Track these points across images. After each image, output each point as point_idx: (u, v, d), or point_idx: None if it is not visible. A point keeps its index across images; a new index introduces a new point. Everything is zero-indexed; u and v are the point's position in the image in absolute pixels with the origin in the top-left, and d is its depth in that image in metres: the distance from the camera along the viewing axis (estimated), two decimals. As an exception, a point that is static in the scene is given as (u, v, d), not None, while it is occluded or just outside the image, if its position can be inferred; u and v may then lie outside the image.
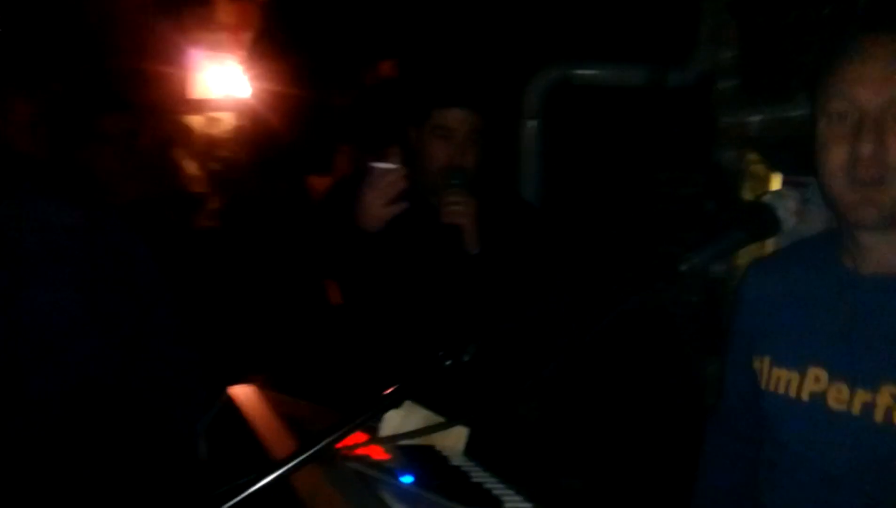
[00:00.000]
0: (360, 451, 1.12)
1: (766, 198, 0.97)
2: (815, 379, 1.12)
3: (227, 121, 6.42)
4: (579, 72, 3.37)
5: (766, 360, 1.20)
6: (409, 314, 1.94)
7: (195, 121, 6.41)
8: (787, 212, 0.96)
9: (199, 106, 6.30)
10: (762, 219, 0.95)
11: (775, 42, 1.85)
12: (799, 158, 1.85)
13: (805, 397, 1.13)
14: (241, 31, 6.10)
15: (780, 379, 1.17)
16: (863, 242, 1.07)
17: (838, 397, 1.09)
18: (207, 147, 6.28)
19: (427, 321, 1.90)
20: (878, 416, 1.04)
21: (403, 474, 1.13)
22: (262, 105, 5.82)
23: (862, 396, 1.06)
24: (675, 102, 3.12)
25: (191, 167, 6.02)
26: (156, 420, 1.38)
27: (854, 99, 1.00)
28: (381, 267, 1.91)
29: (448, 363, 0.82)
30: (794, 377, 1.15)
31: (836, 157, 1.02)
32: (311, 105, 5.07)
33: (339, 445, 1.11)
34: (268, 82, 5.58)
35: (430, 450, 1.31)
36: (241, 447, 1.19)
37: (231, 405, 1.21)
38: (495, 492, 1.17)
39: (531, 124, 3.47)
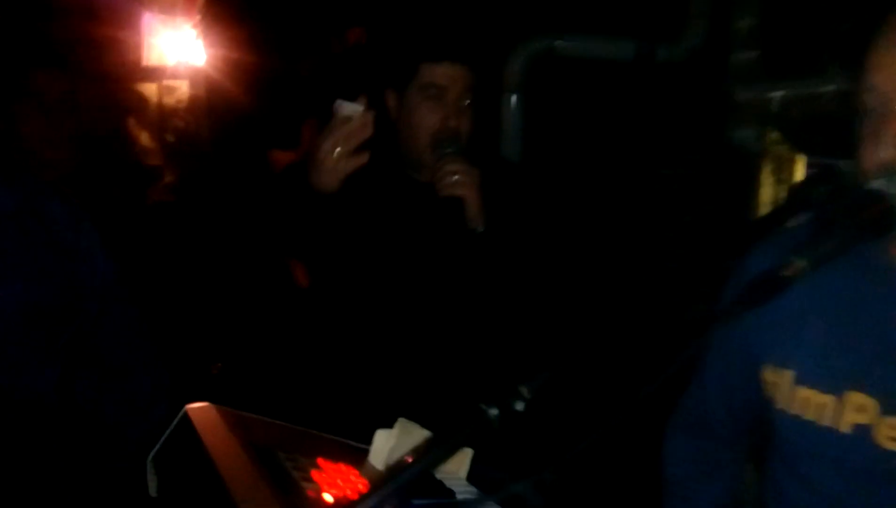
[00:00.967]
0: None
1: (875, 184, 0.79)
2: (860, 408, 0.93)
3: (182, 90, 6.09)
4: (563, 44, 3.20)
5: (788, 375, 1.00)
6: (397, 306, 1.71)
7: (149, 89, 6.07)
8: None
9: (153, 74, 5.95)
10: (880, 210, 0.77)
11: (803, 8, 1.68)
12: (828, 139, 1.69)
13: (845, 429, 0.94)
14: (195, -3, 5.75)
15: (809, 402, 0.98)
16: None
17: (891, 434, 0.90)
18: (162, 117, 5.96)
19: (422, 316, 1.68)
20: None
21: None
22: (219, 73, 5.52)
23: None
24: (665, 78, 2.97)
25: (144, 139, 5.70)
26: (105, 443, 1.17)
27: (880, 87, 0.84)
28: (348, 240, 1.65)
29: (494, 413, 0.61)
30: (829, 401, 0.96)
31: (874, 149, 0.84)
32: (274, 74, 4.79)
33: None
34: (224, 49, 5.28)
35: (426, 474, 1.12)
36: (197, 480, 0.98)
37: (187, 430, 0.99)
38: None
39: (513, 98, 3.28)
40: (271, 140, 4.45)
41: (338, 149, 1.47)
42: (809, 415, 0.97)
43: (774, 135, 1.77)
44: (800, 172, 1.74)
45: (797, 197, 0.78)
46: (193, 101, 5.92)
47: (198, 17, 5.66)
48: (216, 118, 5.38)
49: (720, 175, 2.03)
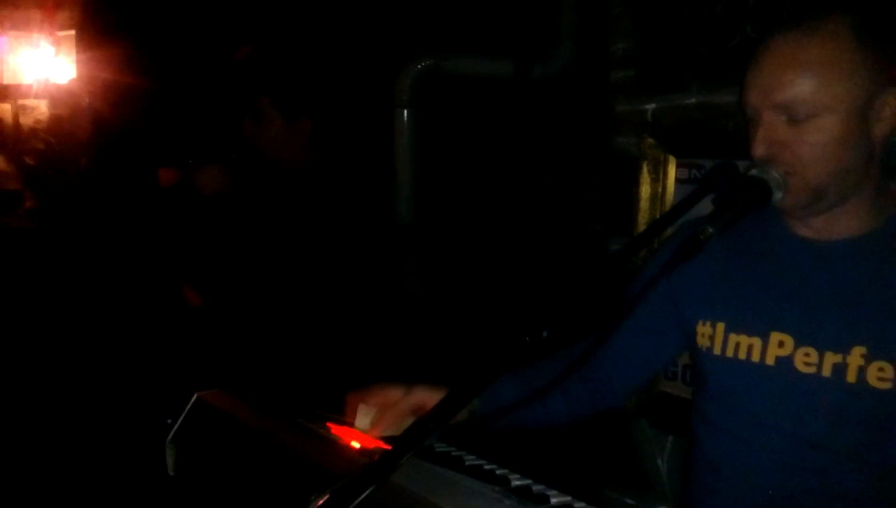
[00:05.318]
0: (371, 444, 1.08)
1: (755, 171, 1.07)
2: (780, 344, 1.16)
3: (41, 109, 5.78)
4: (449, 63, 3.45)
5: (721, 326, 1.23)
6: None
7: (2, 110, 5.72)
8: (775, 183, 1.07)
9: (6, 93, 5.62)
10: (757, 190, 1.05)
11: (669, 35, 2.01)
12: (693, 142, 2.04)
13: (770, 361, 1.17)
14: (56, 9, 5.50)
15: (740, 345, 1.20)
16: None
17: (806, 360, 1.13)
18: (19, 139, 5.62)
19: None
20: (850, 376, 1.10)
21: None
22: (89, 92, 5.29)
23: (832, 358, 1.11)
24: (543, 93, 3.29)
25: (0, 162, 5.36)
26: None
27: (750, 102, 1.11)
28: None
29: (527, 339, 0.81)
30: (756, 342, 1.18)
31: (753, 149, 1.11)
32: (151, 93, 4.70)
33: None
34: (96, 66, 5.09)
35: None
36: (222, 452, 1.11)
37: (205, 412, 1.11)
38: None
39: (404, 113, 3.49)
40: (156, 158, 4.38)
41: None
42: (741, 355, 1.20)
43: (650, 141, 2.10)
44: (672, 171, 2.07)
45: (704, 184, 1.04)
46: (55, 121, 5.64)
47: (59, 34, 5.42)
48: (87, 138, 5.17)
49: (605, 177, 2.34)
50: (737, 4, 1.82)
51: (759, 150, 1.09)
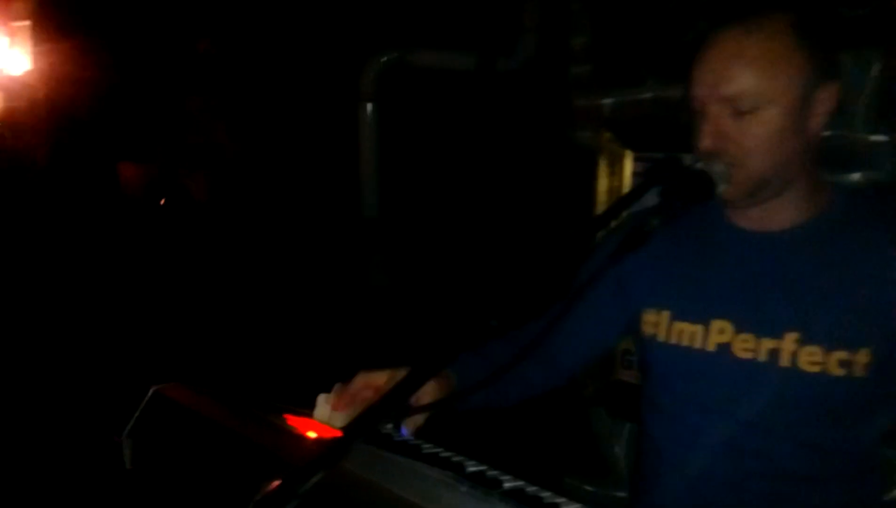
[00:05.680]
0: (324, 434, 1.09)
1: (700, 165, 1.11)
2: (720, 331, 1.21)
3: (-6, 101, 5.64)
4: (413, 56, 3.45)
5: (666, 314, 1.28)
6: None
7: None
8: (718, 176, 1.11)
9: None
10: (702, 183, 1.09)
11: (625, 30, 2.05)
12: (649, 136, 2.08)
13: (711, 347, 1.21)
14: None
15: (684, 332, 1.25)
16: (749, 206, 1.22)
17: (745, 346, 1.19)
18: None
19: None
20: (784, 361, 1.15)
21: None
22: (45, 84, 5.18)
23: (767, 343, 1.16)
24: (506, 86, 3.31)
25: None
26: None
27: (697, 96, 1.15)
28: None
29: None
30: (699, 329, 1.23)
31: (699, 142, 1.15)
32: (112, 86, 4.62)
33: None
34: (52, 59, 4.98)
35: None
36: (181, 444, 1.12)
37: (163, 405, 1.12)
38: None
39: (368, 106, 3.49)
40: (117, 152, 4.32)
41: None
42: (685, 342, 1.25)
43: (607, 135, 2.14)
44: (629, 164, 2.12)
45: (650, 177, 1.07)
46: (9, 113, 5.51)
47: (13, 24, 5.30)
48: (43, 131, 5.07)
49: (565, 169, 2.37)
50: (690, 1, 1.86)
51: (705, 142, 1.13)
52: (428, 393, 1.18)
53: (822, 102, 1.14)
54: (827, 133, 1.25)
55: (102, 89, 4.54)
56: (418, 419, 1.16)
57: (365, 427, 0.80)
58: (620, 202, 1.07)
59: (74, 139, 4.72)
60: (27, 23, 5.07)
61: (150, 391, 1.14)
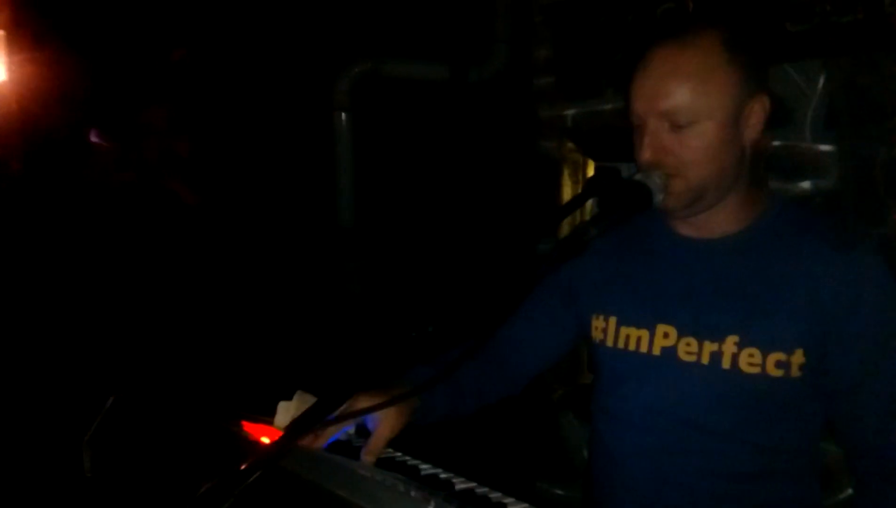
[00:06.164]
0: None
1: (639, 176, 1.15)
2: (665, 335, 1.25)
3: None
4: (387, 66, 3.50)
5: (613, 320, 1.32)
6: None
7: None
8: (656, 187, 1.15)
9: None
10: (639, 193, 1.13)
11: (586, 44, 2.10)
12: (610, 146, 2.13)
13: (656, 351, 1.25)
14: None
15: (630, 337, 1.29)
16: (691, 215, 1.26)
17: (688, 349, 1.23)
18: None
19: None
20: (725, 363, 1.19)
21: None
22: (19, 95, 5.17)
23: (709, 347, 1.20)
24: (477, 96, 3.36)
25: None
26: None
27: (636, 111, 1.19)
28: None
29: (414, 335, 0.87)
30: (644, 334, 1.27)
31: (638, 154, 1.20)
32: (85, 96, 4.62)
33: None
34: (27, 70, 4.97)
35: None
36: (137, 452, 1.15)
37: (120, 413, 1.15)
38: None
39: (342, 116, 3.53)
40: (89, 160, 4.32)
41: None
42: (632, 347, 1.29)
43: (569, 145, 2.19)
44: (591, 173, 2.17)
45: (589, 187, 1.11)
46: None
47: (-2, 32, 5.29)
48: (18, 142, 5.06)
49: (530, 178, 2.42)
50: (646, 15, 1.92)
51: (645, 155, 1.18)
52: (389, 418, 1.20)
53: (755, 113, 1.19)
54: (777, 143, 1.30)
55: (77, 99, 4.55)
56: (379, 447, 1.18)
57: (301, 429, 0.83)
58: (561, 211, 1.11)
59: (48, 148, 4.71)
60: (2, 33, 5.06)
61: (110, 400, 1.17)
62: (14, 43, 4.92)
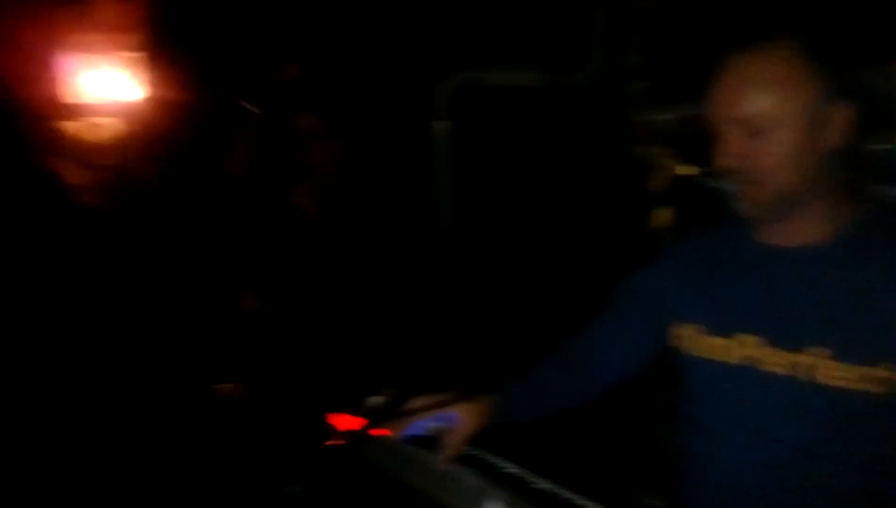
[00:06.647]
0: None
1: (712, 183, 1.16)
2: (747, 345, 1.26)
3: (109, 126, 6.12)
4: (486, 75, 3.57)
5: (696, 328, 1.33)
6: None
7: (71, 127, 6.08)
8: (733, 194, 1.15)
9: (74, 111, 5.97)
10: (716, 200, 1.14)
11: (677, 50, 2.09)
12: (700, 151, 2.10)
13: (738, 361, 1.26)
14: (123, 32, 5.84)
15: (713, 346, 1.31)
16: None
17: (771, 360, 1.22)
18: (85, 155, 5.97)
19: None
20: (808, 375, 1.18)
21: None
22: (157, 110, 5.60)
23: (787, 357, 1.20)
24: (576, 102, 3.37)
25: (74, 177, 5.72)
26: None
27: (713, 117, 1.20)
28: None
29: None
30: (726, 343, 1.28)
31: (716, 161, 1.20)
32: (209, 110, 4.96)
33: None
34: (160, 86, 5.39)
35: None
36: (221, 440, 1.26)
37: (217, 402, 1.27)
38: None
39: (441, 126, 3.63)
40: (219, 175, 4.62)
41: None
42: (713, 356, 1.29)
43: (662, 150, 2.17)
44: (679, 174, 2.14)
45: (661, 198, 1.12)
46: (126, 138, 5.97)
47: (129, 55, 5.76)
48: (157, 154, 5.48)
49: (625, 184, 2.42)
50: (734, 22, 1.88)
51: (722, 161, 1.18)
52: (469, 415, 1.26)
53: (838, 121, 1.16)
54: (885, 147, 1.27)
55: (206, 114, 4.89)
56: (458, 443, 1.24)
57: (381, 419, 0.90)
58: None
59: (183, 162, 5.08)
60: (141, 54, 5.50)
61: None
62: (151, 62, 5.35)
